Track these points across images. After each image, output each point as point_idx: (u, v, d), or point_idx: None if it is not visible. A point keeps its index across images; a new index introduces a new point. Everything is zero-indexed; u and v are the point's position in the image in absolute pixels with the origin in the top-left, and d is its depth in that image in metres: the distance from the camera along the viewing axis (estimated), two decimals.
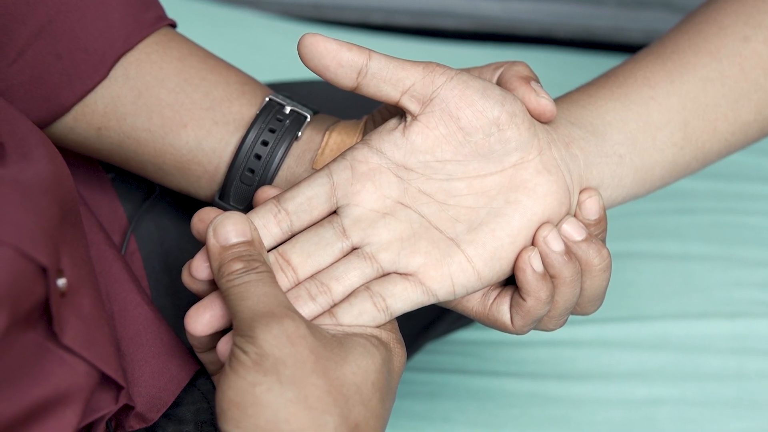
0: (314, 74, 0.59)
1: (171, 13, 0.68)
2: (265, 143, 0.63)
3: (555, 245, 0.58)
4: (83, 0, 0.63)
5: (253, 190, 0.63)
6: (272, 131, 0.63)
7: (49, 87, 0.63)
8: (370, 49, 0.58)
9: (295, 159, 0.64)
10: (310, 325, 0.53)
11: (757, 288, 0.97)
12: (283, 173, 0.64)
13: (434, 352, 0.91)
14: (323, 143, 0.63)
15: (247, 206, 0.64)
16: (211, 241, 0.55)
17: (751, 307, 0.96)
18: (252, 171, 0.63)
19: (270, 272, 0.54)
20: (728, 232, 1.02)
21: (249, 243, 0.55)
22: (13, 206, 0.50)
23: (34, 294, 0.50)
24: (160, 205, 0.72)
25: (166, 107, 0.64)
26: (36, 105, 0.63)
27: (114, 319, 0.62)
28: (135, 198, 0.71)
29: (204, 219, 0.57)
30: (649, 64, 0.65)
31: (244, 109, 0.64)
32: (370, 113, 0.66)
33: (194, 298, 0.58)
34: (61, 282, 0.52)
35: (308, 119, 0.64)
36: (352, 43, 0.58)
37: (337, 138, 0.64)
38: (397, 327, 0.57)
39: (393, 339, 0.56)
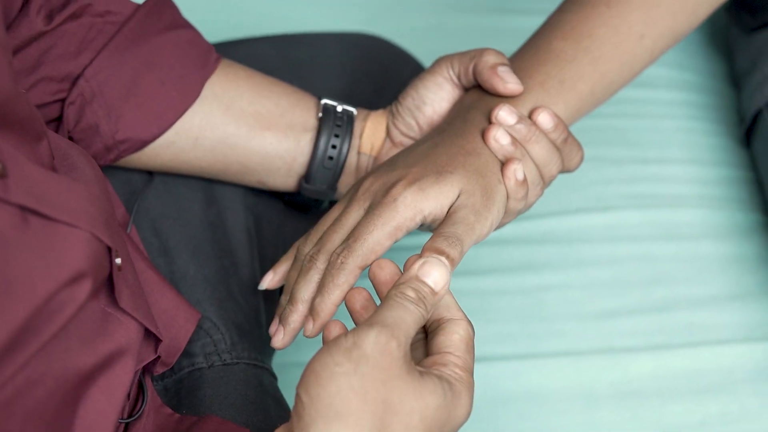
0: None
1: None
2: (337, 135, 0.79)
3: (503, 139, 0.73)
4: (172, 40, 0.75)
5: (332, 173, 0.79)
6: (339, 126, 0.79)
7: (157, 108, 0.74)
8: None
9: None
10: (408, 357, 0.57)
11: (623, 183, 1.06)
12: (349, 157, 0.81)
13: None
14: (361, 132, 0.80)
15: (328, 186, 0.79)
16: (413, 272, 0.61)
17: (619, 201, 1.05)
18: (330, 158, 0.79)
19: (423, 316, 0.59)
20: (597, 135, 1.10)
21: (433, 292, 0.61)
22: (82, 200, 0.59)
23: (104, 268, 0.60)
24: (146, 189, 0.82)
25: (249, 116, 0.79)
26: (147, 123, 0.75)
27: None
28: (124, 192, 0.81)
29: (383, 266, 0.65)
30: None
31: (305, 114, 0.80)
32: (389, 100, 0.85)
33: (183, 255, 0.73)
34: (118, 260, 0.62)
35: (354, 113, 0.81)
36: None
37: (370, 125, 0.81)
38: (472, 377, 0.61)
39: (465, 384, 0.60)
